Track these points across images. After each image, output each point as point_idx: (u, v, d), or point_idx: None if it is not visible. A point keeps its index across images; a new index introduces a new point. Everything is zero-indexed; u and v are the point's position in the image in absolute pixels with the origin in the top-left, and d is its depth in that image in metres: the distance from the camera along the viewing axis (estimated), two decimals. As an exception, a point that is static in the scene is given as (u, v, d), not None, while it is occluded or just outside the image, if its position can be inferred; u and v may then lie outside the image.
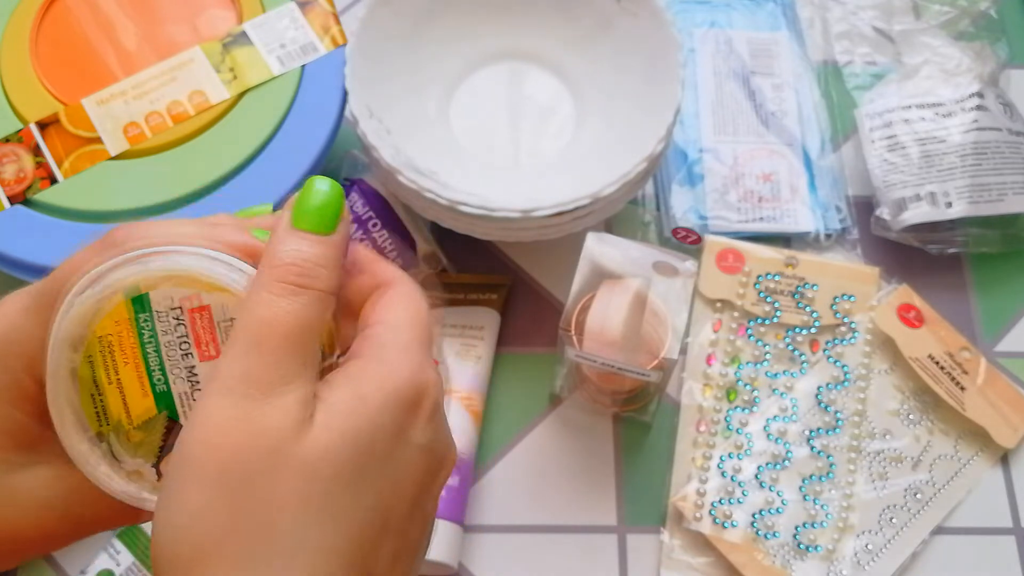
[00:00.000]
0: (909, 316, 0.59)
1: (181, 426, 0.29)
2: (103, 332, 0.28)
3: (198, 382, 0.29)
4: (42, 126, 0.55)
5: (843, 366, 0.58)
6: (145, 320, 0.29)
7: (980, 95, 0.62)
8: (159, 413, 0.29)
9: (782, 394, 0.58)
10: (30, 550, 0.31)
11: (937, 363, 0.58)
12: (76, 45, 0.58)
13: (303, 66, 0.57)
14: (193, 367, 0.29)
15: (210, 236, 0.29)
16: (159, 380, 0.29)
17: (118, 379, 0.29)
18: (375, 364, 0.28)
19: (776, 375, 0.58)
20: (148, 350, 0.29)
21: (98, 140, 0.55)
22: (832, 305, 0.60)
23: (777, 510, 0.55)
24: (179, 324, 0.29)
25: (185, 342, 0.29)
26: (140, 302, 0.28)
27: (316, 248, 0.28)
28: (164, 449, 0.29)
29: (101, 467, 0.29)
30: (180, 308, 0.29)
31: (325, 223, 0.29)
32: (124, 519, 0.31)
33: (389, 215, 0.57)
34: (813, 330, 0.59)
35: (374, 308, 0.30)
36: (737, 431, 0.57)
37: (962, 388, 0.57)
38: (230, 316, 0.29)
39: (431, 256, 0.59)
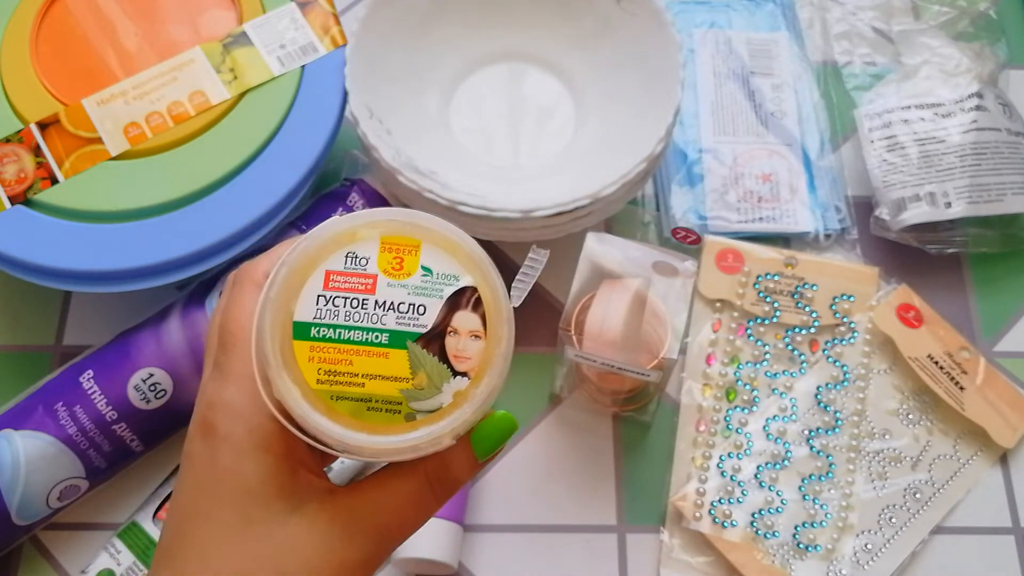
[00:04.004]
0: (908, 316, 0.59)
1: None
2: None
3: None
4: (42, 126, 0.55)
5: (842, 366, 0.58)
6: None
7: (979, 95, 0.62)
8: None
9: (781, 394, 0.58)
10: None
11: (936, 363, 0.58)
12: (76, 45, 0.58)
13: (303, 66, 0.57)
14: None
15: None
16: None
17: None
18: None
19: (775, 375, 0.58)
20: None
21: (99, 140, 0.55)
22: (831, 305, 0.60)
23: (776, 510, 0.55)
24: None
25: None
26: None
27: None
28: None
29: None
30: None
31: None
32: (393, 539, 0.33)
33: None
34: (812, 330, 0.59)
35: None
36: (737, 431, 0.57)
37: (961, 388, 0.57)
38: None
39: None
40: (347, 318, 0.30)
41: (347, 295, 0.30)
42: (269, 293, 0.30)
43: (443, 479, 0.32)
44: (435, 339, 0.30)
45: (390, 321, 0.30)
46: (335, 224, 0.31)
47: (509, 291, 0.32)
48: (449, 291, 0.30)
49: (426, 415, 0.30)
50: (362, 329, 0.30)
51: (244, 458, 0.30)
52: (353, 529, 0.31)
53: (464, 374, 0.30)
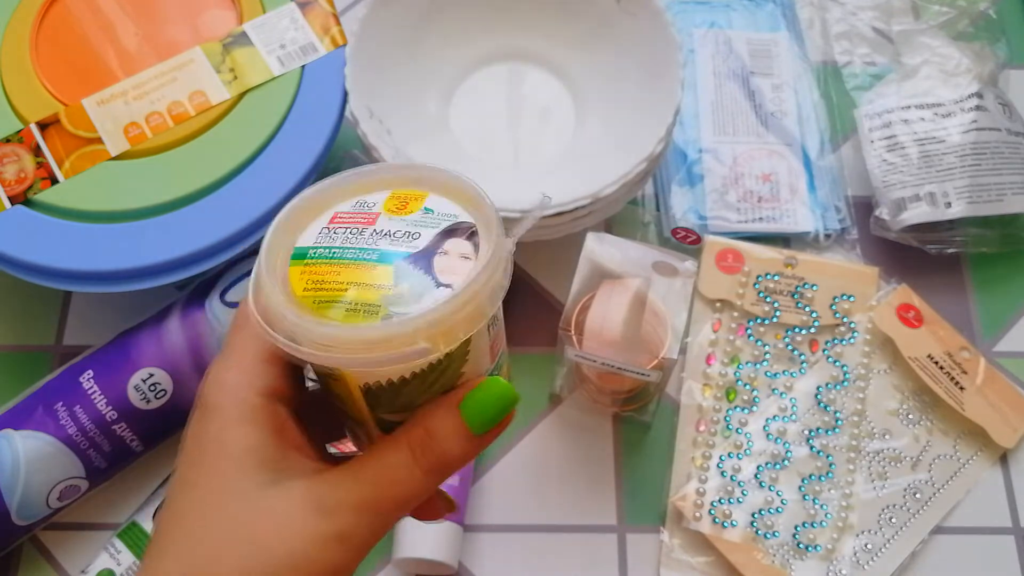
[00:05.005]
0: (908, 316, 0.59)
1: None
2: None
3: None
4: (42, 126, 0.55)
5: (842, 366, 0.58)
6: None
7: (979, 95, 0.62)
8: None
9: (781, 394, 0.58)
10: None
11: (936, 363, 0.58)
12: (76, 45, 0.58)
13: (303, 66, 0.57)
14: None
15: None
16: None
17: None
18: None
19: (775, 375, 0.58)
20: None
21: (99, 140, 0.55)
22: (831, 305, 0.60)
23: (777, 510, 0.55)
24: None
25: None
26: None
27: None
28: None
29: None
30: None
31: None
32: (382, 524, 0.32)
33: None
34: (812, 330, 0.59)
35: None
36: (737, 431, 0.57)
37: (961, 388, 0.57)
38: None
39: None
40: (344, 242, 0.30)
41: (348, 226, 0.31)
42: (276, 224, 0.31)
43: (427, 448, 0.31)
44: (424, 258, 0.30)
45: (384, 244, 0.30)
46: (352, 175, 0.32)
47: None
48: (446, 224, 0.30)
49: (403, 315, 0.29)
50: (356, 249, 0.30)
51: (230, 429, 0.30)
52: (331, 501, 0.30)
53: (447, 286, 0.29)
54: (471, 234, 0.30)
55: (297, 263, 0.30)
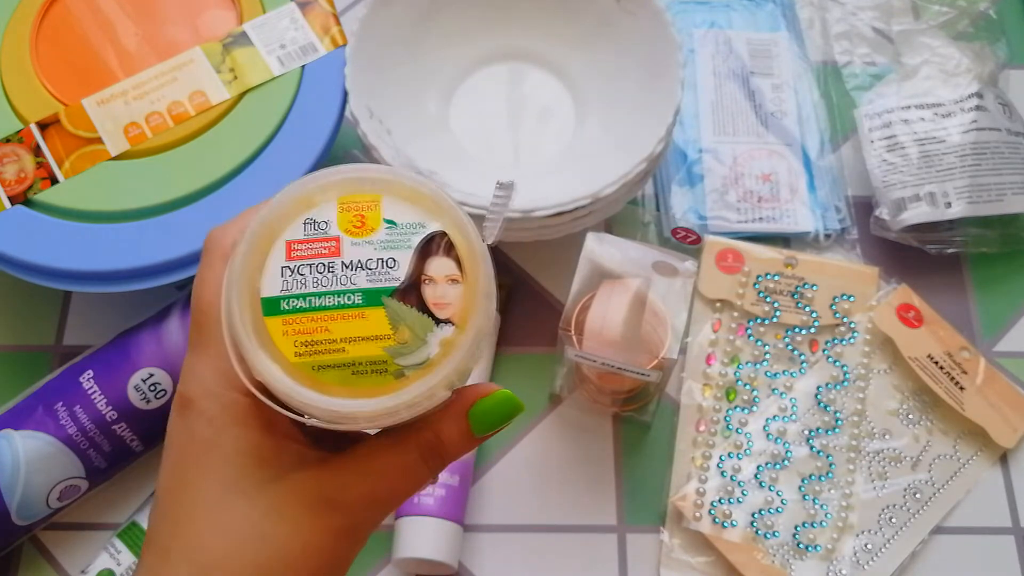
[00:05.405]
0: (908, 316, 0.59)
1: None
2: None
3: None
4: (42, 126, 0.55)
5: (842, 366, 0.58)
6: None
7: (979, 95, 0.62)
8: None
9: (781, 394, 0.58)
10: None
11: (936, 363, 0.58)
12: (76, 45, 0.58)
13: (303, 66, 0.57)
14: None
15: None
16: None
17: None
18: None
19: (775, 375, 0.58)
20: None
21: (99, 140, 0.55)
22: (831, 305, 0.60)
23: (776, 510, 0.55)
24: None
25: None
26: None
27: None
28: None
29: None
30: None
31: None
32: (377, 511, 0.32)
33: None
34: (812, 330, 0.59)
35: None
36: (737, 431, 0.57)
37: (961, 388, 0.57)
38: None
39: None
40: (316, 285, 0.28)
41: (312, 262, 0.29)
42: (232, 274, 0.29)
43: (437, 451, 0.32)
44: (411, 290, 0.28)
45: (361, 280, 0.28)
46: (288, 193, 0.29)
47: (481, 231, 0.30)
48: (417, 240, 0.29)
49: (415, 369, 0.28)
50: (333, 293, 0.28)
51: (222, 432, 0.30)
52: (341, 496, 0.30)
53: (448, 321, 0.28)
54: (447, 246, 0.29)
55: (273, 319, 0.28)
